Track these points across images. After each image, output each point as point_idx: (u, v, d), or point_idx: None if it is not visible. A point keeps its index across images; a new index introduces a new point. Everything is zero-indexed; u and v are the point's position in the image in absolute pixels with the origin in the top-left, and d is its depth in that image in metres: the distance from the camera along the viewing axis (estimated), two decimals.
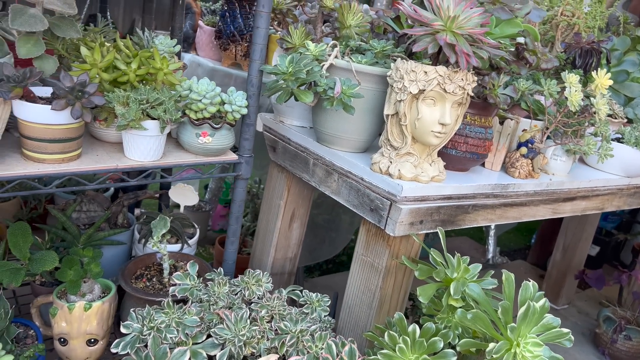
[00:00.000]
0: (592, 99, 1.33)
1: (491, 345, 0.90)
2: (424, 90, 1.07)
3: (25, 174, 0.91)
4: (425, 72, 1.06)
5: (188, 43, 2.07)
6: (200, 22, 2.02)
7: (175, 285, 1.12)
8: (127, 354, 1.01)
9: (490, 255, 3.02)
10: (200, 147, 1.11)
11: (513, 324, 0.93)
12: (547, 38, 2.00)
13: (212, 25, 1.98)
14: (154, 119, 1.01)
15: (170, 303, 1.04)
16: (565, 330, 0.98)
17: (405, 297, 1.29)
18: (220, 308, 1.05)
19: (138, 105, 0.97)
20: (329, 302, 1.27)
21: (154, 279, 1.29)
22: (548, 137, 1.48)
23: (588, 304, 2.69)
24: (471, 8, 1.08)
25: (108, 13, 1.94)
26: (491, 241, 3.03)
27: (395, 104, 1.12)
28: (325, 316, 1.24)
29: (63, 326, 1.14)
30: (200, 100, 1.06)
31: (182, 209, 1.47)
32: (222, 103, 1.10)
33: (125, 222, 1.46)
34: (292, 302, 1.28)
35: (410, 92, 1.07)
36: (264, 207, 1.61)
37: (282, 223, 1.56)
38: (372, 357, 1.01)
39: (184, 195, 1.46)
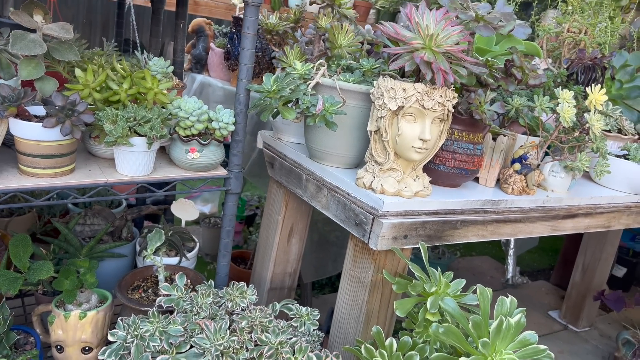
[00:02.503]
0: (586, 114, 1.32)
1: (462, 359, 0.90)
2: (403, 106, 1.09)
3: (18, 187, 0.98)
4: (404, 89, 1.08)
5: (201, 65, 2.16)
6: (212, 45, 2.09)
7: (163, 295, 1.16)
8: None
9: (509, 275, 2.95)
10: (189, 163, 1.16)
11: (486, 339, 0.92)
12: (555, 55, 1.98)
13: (223, 48, 2.06)
14: (141, 135, 1.06)
15: (155, 313, 1.08)
16: (543, 347, 0.96)
17: (395, 312, 1.29)
18: (203, 318, 1.08)
19: (125, 123, 1.02)
20: (318, 316, 1.28)
21: (150, 291, 1.33)
22: (547, 154, 1.46)
23: (612, 327, 2.59)
24: (452, 26, 1.10)
25: (137, 37, 2.04)
26: (510, 260, 2.96)
27: (377, 121, 1.14)
28: (314, 330, 1.26)
29: (59, 334, 1.19)
30: (187, 118, 1.11)
31: (183, 224, 1.51)
32: (210, 120, 1.14)
33: (129, 236, 1.52)
34: (287, 317, 1.30)
35: (390, 109, 1.09)
36: (263, 222, 1.65)
37: (280, 238, 1.59)
38: None
39: (185, 210, 1.51)
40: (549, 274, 3.28)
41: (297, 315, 1.26)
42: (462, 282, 1.14)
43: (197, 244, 1.54)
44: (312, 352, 1.10)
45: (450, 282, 1.11)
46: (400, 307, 1.03)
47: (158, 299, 1.14)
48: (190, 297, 1.14)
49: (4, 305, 1.16)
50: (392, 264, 1.23)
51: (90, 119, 1.01)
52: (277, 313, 1.27)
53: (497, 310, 0.99)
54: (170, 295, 1.15)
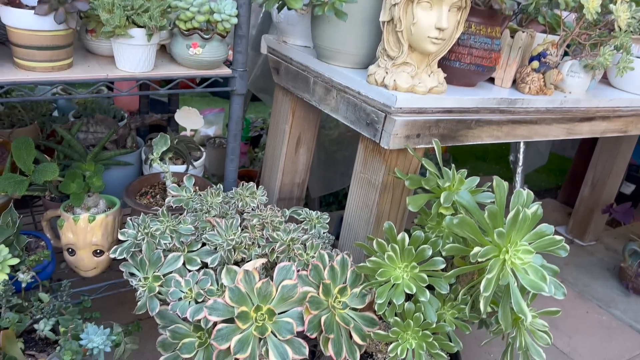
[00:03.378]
0: (612, 5, 1.23)
1: (476, 249, 0.89)
2: None
3: (14, 80, 0.93)
4: None
5: None
6: None
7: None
8: (124, 259, 1.06)
9: None
10: (191, 59, 1.10)
11: (501, 229, 0.90)
12: None
13: None
14: (140, 27, 1.00)
15: (165, 212, 1.07)
16: (559, 237, 0.95)
17: (405, 214, 1.28)
18: (213, 216, 1.07)
19: (122, 12, 0.96)
20: (328, 219, 1.27)
21: (158, 196, 1.32)
22: (566, 54, 1.39)
23: (617, 241, 2.61)
24: None
25: None
26: (518, 179, 2.94)
27: (390, 9, 1.07)
28: (324, 232, 1.25)
29: (70, 237, 1.19)
30: (188, 9, 1.05)
31: (188, 132, 1.48)
32: (212, 12, 1.08)
33: (134, 145, 1.50)
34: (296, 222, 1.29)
35: None
36: (270, 132, 1.61)
37: (288, 148, 1.55)
38: (362, 264, 1.01)
39: (189, 118, 1.47)
40: (556, 193, 3.27)
41: (307, 219, 1.25)
42: (476, 179, 1.11)
43: (204, 153, 1.51)
44: (323, 250, 1.10)
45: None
46: (413, 202, 1.01)
47: (167, 199, 1.12)
48: (200, 196, 1.13)
49: (11, 209, 1.15)
50: (404, 164, 1.20)
51: (85, 6, 0.94)
52: (286, 218, 1.26)
53: (513, 201, 0.97)
54: (179, 196, 1.14)
